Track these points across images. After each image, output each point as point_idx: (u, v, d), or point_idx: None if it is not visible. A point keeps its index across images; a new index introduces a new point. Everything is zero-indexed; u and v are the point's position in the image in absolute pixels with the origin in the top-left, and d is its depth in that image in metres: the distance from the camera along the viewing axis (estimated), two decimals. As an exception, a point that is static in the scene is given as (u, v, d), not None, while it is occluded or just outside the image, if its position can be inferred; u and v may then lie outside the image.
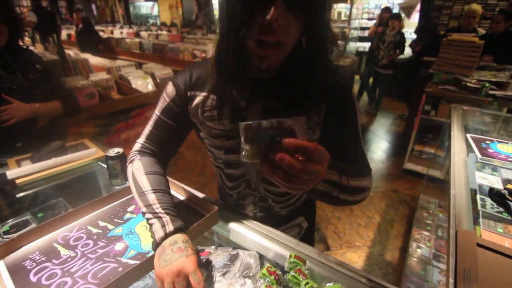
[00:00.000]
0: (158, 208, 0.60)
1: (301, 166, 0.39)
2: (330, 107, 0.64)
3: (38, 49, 3.11)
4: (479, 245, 0.59)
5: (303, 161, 0.39)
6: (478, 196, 0.92)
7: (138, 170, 0.67)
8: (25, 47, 1.34)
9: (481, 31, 3.22)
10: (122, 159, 0.93)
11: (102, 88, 2.34)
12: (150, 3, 8.72)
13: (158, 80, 2.66)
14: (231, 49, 0.56)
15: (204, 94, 0.66)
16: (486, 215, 0.82)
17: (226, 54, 0.57)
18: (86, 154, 1.10)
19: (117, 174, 0.93)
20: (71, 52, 2.81)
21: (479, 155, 1.15)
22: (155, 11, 8.59)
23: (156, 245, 0.56)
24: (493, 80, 2.37)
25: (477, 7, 3.03)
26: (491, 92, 2.26)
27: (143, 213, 0.61)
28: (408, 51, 5.33)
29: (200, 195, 0.84)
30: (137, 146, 0.74)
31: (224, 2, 0.52)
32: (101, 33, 5.60)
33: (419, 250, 1.76)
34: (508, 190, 0.88)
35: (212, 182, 2.79)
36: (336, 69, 0.68)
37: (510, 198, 0.85)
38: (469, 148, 1.23)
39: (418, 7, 5.07)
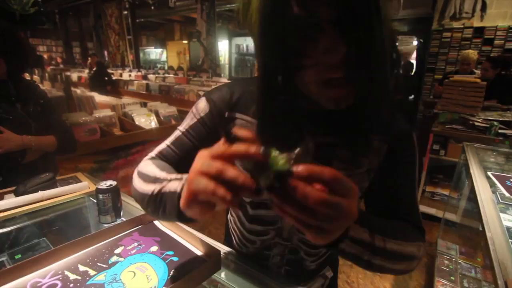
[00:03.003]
0: (172, 175, 0.48)
1: (320, 194, 0.31)
2: (391, 151, 0.54)
3: (45, 86, 3.17)
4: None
5: (322, 191, 0.31)
6: (510, 241, 0.80)
7: (147, 164, 0.58)
8: (31, 80, 1.35)
9: (478, 73, 3.30)
10: (115, 193, 0.84)
11: (105, 125, 2.32)
12: (159, 50, 9.27)
13: (162, 118, 2.66)
14: (274, 92, 0.46)
15: (246, 118, 0.56)
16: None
17: (274, 92, 0.47)
18: (77, 188, 1.01)
19: (107, 210, 0.83)
20: (78, 90, 2.86)
21: (506, 194, 1.05)
22: (164, 57, 9.09)
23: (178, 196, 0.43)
24: (501, 119, 2.34)
25: (472, 55, 3.14)
26: (500, 131, 2.21)
27: (151, 195, 0.49)
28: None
29: (201, 236, 0.73)
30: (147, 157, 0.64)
31: (258, 44, 0.43)
32: (111, 75, 5.82)
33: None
34: None
35: (213, 224, 2.63)
36: (397, 106, 0.57)
37: None
38: (491, 187, 1.14)
39: (414, 54, 5.31)
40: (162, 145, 0.63)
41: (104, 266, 0.64)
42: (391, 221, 0.52)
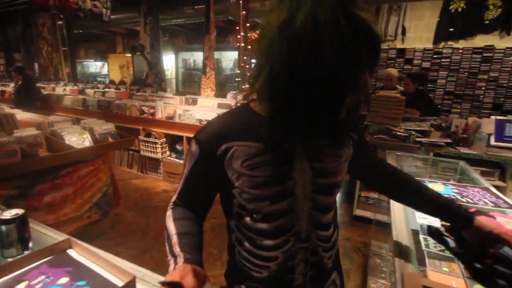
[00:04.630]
0: (177, 249, 0.59)
1: None
2: (358, 139, 0.73)
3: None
4: (425, 287, 0.54)
5: None
6: (421, 236, 0.92)
7: (169, 218, 0.68)
8: None
9: (401, 88, 3.75)
10: (21, 223, 0.76)
11: (28, 145, 2.08)
12: (99, 63, 8.72)
13: (97, 136, 2.48)
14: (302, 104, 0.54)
15: (243, 143, 0.62)
16: (431, 255, 0.81)
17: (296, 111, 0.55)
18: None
19: (11, 243, 0.74)
20: (-4, 107, 2.55)
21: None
22: (105, 70, 8.57)
23: None
24: (418, 129, 2.67)
25: (392, 71, 3.58)
26: (417, 139, 2.52)
27: (168, 259, 0.59)
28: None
29: (116, 260, 0.69)
30: (172, 200, 0.73)
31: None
32: (40, 90, 5.29)
33: (377, 302, 1.68)
34: (445, 226, 0.89)
35: (155, 247, 2.49)
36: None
37: (446, 234, 0.86)
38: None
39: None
40: (179, 188, 0.71)
41: (0, 306, 0.57)
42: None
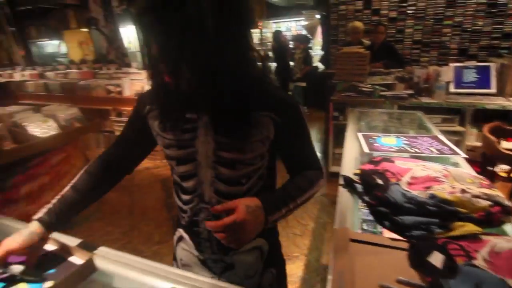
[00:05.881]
0: (55, 200, 0.72)
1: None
2: (281, 122, 0.70)
3: None
4: (352, 240, 0.63)
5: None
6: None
7: (85, 167, 0.82)
8: None
9: (367, 42, 3.74)
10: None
11: (-10, 140, 2.02)
12: (56, 42, 8.03)
13: (62, 122, 2.41)
14: (153, 74, 0.64)
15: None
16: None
17: (152, 78, 0.65)
18: None
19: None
20: None
21: (366, 150, 1.28)
22: (63, 49, 7.94)
23: None
24: (383, 83, 2.75)
25: (358, 24, 3.54)
26: (382, 93, 2.61)
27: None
28: (321, 66, 5.95)
29: (73, 241, 0.74)
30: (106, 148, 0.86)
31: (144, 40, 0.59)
32: (-4, 78, 4.93)
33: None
34: (357, 174, 0.95)
35: (142, 222, 2.58)
36: (279, 88, 0.78)
37: (357, 181, 0.91)
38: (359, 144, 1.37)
39: (319, 28, 5.72)
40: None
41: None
42: (297, 180, 0.74)
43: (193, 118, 0.68)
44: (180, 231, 0.84)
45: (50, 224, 0.68)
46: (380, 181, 0.79)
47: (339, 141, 3.22)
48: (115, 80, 3.91)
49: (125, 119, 3.61)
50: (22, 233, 0.65)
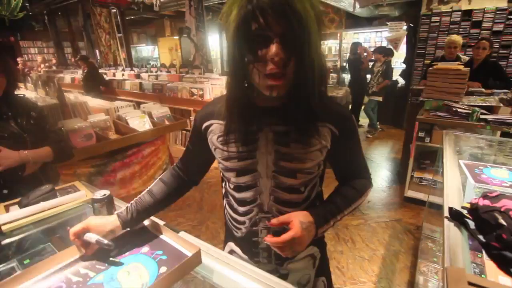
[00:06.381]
0: (133, 201, 0.83)
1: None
2: (338, 133, 0.73)
3: (39, 94, 3.22)
4: (470, 283, 0.55)
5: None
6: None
7: (160, 176, 0.91)
8: (21, 95, 1.40)
9: (465, 58, 3.34)
10: (109, 202, 0.92)
11: (100, 129, 2.38)
12: (151, 47, 9.22)
13: (155, 119, 2.72)
14: (239, 83, 0.66)
15: (219, 122, 0.76)
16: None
17: (235, 88, 0.67)
18: (75, 197, 1.09)
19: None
20: (71, 96, 2.91)
21: (472, 182, 1.13)
22: (156, 54, 9.04)
23: None
24: (483, 104, 2.41)
25: (457, 38, 3.17)
26: (482, 116, 2.29)
27: None
28: (401, 80, 5.53)
29: (182, 234, 0.81)
30: (175, 164, 0.95)
31: (230, 44, 0.62)
32: (104, 76, 5.83)
33: (428, 284, 1.66)
34: (466, 208, 0.85)
35: (210, 219, 2.73)
36: (336, 101, 0.82)
37: (468, 216, 0.82)
38: (464, 175, 1.22)
39: (405, 39, 5.33)
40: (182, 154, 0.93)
41: (102, 267, 0.73)
42: (345, 191, 0.78)
43: (254, 129, 0.71)
44: (231, 245, 0.88)
45: (126, 221, 0.79)
46: (503, 221, 0.69)
47: (420, 163, 2.94)
48: (198, 84, 4.26)
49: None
50: (104, 218, 0.77)
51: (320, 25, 0.60)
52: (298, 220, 0.64)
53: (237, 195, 0.79)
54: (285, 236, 0.61)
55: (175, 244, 0.80)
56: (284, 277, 0.81)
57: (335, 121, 0.73)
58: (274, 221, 0.65)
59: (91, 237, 0.72)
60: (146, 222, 0.88)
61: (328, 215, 0.70)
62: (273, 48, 0.56)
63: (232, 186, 0.80)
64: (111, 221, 0.77)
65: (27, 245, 1.00)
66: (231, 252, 0.88)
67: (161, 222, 0.86)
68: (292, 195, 0.75)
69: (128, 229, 0.83)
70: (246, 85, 0.66)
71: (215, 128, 0.76)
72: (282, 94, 0.63)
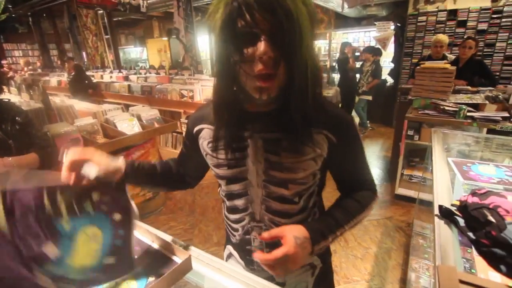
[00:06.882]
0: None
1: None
2: (336, 140, 0.67)
3: (23, 97, 3.14)
4: (461, 281, 0.55)
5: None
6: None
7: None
8: (6, 100, 1.35)
9: (451, 57, 3.41)
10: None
11: (87, 133, 2.33)
12: (139, 48, 9.11)
13: (144, 122, 2.68)
14: (226, 86, 0.62)
15: (209, 126, 0.72)
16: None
17: (223, 91, 0.63)
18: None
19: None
20: (57, 99, 2.84)
21: (461, 179, 1.15)
22: (145, 55, 8.95)
23: None
24: (470, 102, 2.46)
25: (443, 37, 3.23)
26: (469, 114, 2.33)
27: None
28: (389, 79, 5.61)
29: (172, 239, 0.79)
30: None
31: (217, 44, 0.58)
32: (91, 78, 5.72)
33: (419, 280, 1.68)
34: (455, 206, 0.86)
35: (202, 222, 2.71)
36: (333, 104, 0.74)
37: (457, 213, 0.82)
38: (453, 172, 1.24)
39: (393, 38, 5.41)
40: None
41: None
42: (346, 204, 0.71)
43: (243, 136, 0.67)
44: (230, 248, 0.85)
45: (131, 168, 0.72)
46: (492, 218, 0.70)
47: (409, 161, 2.98)
48: (188, 85, 4.22)
49: (193, 122, 3.88)
50: (109, 156, 0.66)
51: (314, 23, 0.56)
52: (291, 235, 0.57)
53: (228, 202, 0.76)
54: (276, 253, 0.55)
55: (164, 251, 0.78)
56: (281, 285, 0.78)
57: (332, 126, 0.66)
58: (265, 235, 0.59)
59: (91, 170, 0.60)
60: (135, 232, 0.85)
61: (326, 230, 0.64)
62: (261, 46, 0.53)
63: (223, 194, 0.77)
64: (116, 161, 0.67)
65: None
66: (230, 255, 0.86)
67: (150, 228, 0.84)
68: (284, 205, 0.71)
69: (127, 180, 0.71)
70: (234, 88, 0.62)
71: (205, 134, 0.73)
72: (272, 97, 0.59)
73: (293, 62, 0.56)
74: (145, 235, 0.82)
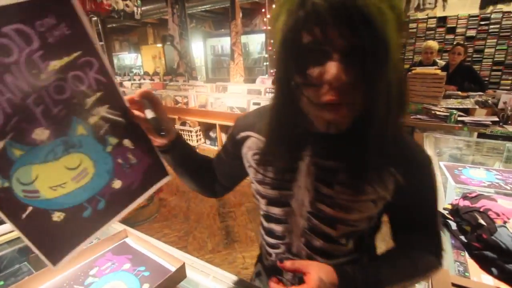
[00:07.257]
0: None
1: None
2: (405, 184, 0.53)
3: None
4: (454, 285, 0.56)
5: None
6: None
7: None
8: None
9: (441, 62, 3.48)
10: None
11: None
12: (133, 55, 9.11)
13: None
14: (285, 113, 0.51)
15: (258, 137, 0.63)
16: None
17: (280, 114, 0.52)
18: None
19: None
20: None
21: (453, 183, 1.16)
22: (139, 62, 8.94)
23: None
24: (460, 107, 2.50)
25: (433, 44, 3.31)
26: (459, 118, 2.37)
27: None
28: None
29: (166, 247, 0.79)
30: None
31: (277, 60, 0.47)
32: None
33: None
34: (447, 209, 0.87)
35: (197, 229, 2.68)
36: (412, 139, 0.58)
37: (449, 217, 0.84)
38: (445, 176, 1.25)
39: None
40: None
41: (80, 287, 0.69)
42: (399, 261, 0.58)
43: (295, 157, 0.57)
44: (259, 267, 0.78)
45: (178, 137, 0.66)
46: (482, 221, 0.70)
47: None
48: (182, 91, 4.22)
49: (188, 128, 3.87)
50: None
51: (402, 33, 0.43)
52: (317, 276, 0.48)
53: (265, 224, 0.66)
54: None
55: (158, 259, 0.77)
56: None
57: (402, 163, 0.53)
58: (288, 264, 0.51)
59: (149, 113, 0.57)
60: (128, 240, 0.85)
61: (361, 283, 0.50)
62: (331, 67, 0.40)
63: (262, 213, 0.67)
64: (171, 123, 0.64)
65: (2, 265, 0.95)
66: (259, 273, 0.78)
67: (143, 236, 0.83)
68: (329, 244, 0.59)
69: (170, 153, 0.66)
70: (295, 114, 0.51)
71: (252, 143, 0.64)
72: (343, 130, 0.49)
73: (375, 88, 0.42)
74: (138, 243, 0.82)
